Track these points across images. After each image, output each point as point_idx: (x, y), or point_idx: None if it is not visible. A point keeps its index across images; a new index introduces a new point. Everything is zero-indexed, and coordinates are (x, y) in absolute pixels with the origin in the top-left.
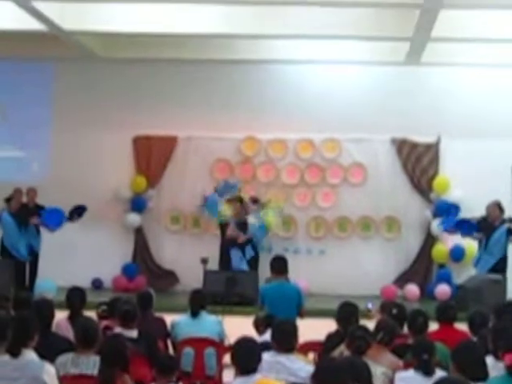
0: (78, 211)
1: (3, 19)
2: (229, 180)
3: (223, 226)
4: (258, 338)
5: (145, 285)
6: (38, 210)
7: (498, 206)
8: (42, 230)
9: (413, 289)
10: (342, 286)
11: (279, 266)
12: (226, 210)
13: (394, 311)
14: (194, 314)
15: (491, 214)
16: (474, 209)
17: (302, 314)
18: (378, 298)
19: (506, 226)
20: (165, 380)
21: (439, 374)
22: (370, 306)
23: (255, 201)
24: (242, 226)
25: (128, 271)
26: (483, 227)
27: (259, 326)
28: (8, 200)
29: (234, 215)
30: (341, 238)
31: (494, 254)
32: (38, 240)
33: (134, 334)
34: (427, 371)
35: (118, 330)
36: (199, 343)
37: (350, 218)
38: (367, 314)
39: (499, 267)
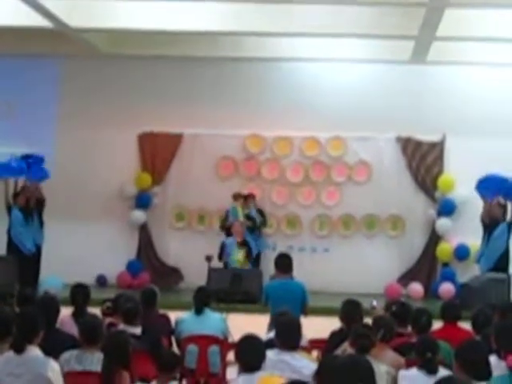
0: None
1: (10, 16)
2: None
3: (227, 229)
4: (265, 336)
5: (149, 282)
6: (41, 204)
7: (499, 204)
8: (46, 226)
9: (416, 287)
10: (347, 283)
11: (284, 263)
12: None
13: (398, 309)
14: (198, 311)
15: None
16: (478, 207)
17: (306, 311)
18: (382, 296)
19: (507, 222)
20: (166, 377)
21: (442, 372)
22: (374, 303)
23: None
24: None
25: (132, 268)
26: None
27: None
28: (16, 195)
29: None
30: (345, 236)
31: (496, 250)
32: (41, 235)
33: (137, 330)
34: (430, 370)
35: (121, 326)
36: (203, 340)
37: (355, 216)
38: (371, 312)
39: (502, 265)
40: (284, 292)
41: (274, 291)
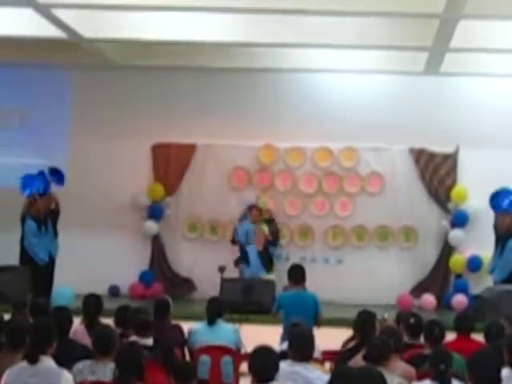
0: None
1: (23, 26)
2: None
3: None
4: (278, 347)
5: (162, 292)
6: (56, 214)
7: None
8: (59, 236)
9: (429, 299)
10: (359, 295)
11: (297, 274)
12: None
13: (412, 321)
14: (211, 322)
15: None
16: (491, 219)
17: (319, 322)
18: (395, 307)
19: None
20: None
21: None
22: (385, 315)
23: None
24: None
25: (145, 278)
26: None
27: None
28: (29, 205)
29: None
30: (358, 247)
31: (510, 261)
32: (56, 245)
33: (149, 341)
34: (444, 382)
35: (133, 337)
36: (216, 351)
37: (368, 227)
38: (382, 324)
39: None
40: (297, 303)
41: (288, 302)
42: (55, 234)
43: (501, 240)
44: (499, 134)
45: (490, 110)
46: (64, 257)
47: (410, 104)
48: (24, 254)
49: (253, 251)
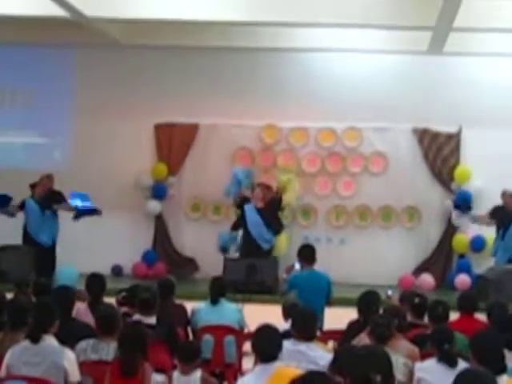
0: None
1: (27, 5)
2: (237, 172)
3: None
4: (281, 326)
5: (165, 272)
6: (58, 196)
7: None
8: (61, 216)
9: (427, 278)
10: (362, 274)
11: (309, 254)
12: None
13: (417, 301)
14: (214, 301)
15: (508, 203)
16: (494, 199)
17: (330, 302)
18: (397, 287)
19: None
20: (188, 367)
21: (462, 365)
22: (389, 292)
23: (268, 187)
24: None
25: (148, 258)
26: (499, 216)
27: (285, 313)
28: (33, 186)
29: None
30: (361, 227)
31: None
32: (56, 226)
33: (152, 320)
34: (451, 362)
35: (136, 316)
36: (219, 331)
37: (371, 207)
38: (387, 302)
39: None
40: (311, 282)
41: (302, 282)
42: (56, 216)
43: (502, 223)
44: (502, 114)
45: (493, 90)
46: (67, 236)
47: (414, 84)
48: (27, 236)
49: (251, 209)
